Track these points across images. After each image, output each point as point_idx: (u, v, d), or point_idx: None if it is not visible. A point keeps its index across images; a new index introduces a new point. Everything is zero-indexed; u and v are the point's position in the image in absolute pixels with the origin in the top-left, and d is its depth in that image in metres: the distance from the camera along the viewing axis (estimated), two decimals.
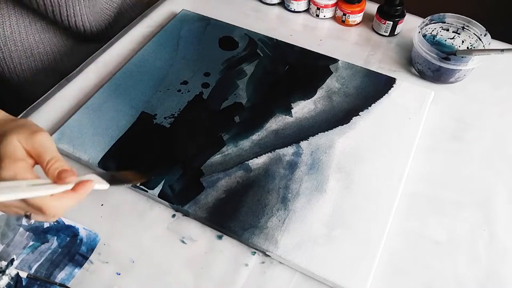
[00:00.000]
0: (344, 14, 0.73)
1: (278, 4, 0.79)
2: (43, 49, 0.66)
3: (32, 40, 0.63)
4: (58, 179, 0.37)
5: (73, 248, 0.47)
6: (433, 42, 0.68)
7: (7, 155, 0.36)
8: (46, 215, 0.37)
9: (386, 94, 0.61)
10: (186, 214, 0.50)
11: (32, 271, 0.46)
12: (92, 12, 0.67)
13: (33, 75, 0.67)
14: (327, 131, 0.57)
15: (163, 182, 0.51)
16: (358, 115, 0.59)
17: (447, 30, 0.67)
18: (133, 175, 0.47)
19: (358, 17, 0.73)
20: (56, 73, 0.68)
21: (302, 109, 0.59)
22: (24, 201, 0.36)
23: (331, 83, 0.62)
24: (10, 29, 0.60)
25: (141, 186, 0.51)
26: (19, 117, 0.60)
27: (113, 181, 0.42)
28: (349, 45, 0.72)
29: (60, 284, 0.45)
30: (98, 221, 0.50)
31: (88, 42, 0.72)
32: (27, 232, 0.48)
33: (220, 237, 0.49)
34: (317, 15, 0.76)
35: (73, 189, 0.38)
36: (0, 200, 0.33)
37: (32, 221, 0.44)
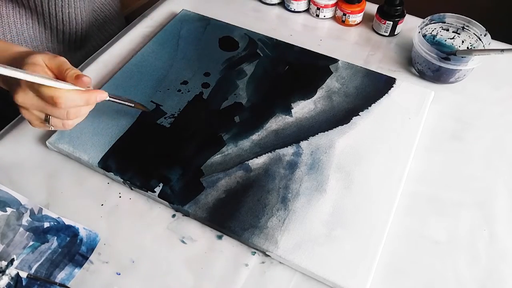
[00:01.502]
0: (344, 14, 0.73)
1: (278, 4, 0.79)
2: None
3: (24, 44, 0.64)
4: (76, 79, 0.44)
5: (73, 248, 0.47)
6: (433, 42, 0.68)
7: (30, 63, 0.43)
8: (58, 105, 0.42)
9: (386, 94, 0.61)
10: (186, 214, 0.50)
11: (32, 271, 0.46)
12: (86, 8, 0.68)
13: None
14: (327, 131, 0.57)
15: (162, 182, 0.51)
16: (358, 115, 0.59)
17: (447, 30, 0.67)
18: (139, 104, 0.57)
19: (358, 17, 0.73)
20: None
21: (302, 109, 0.59)
22: (40, 95, 0.42)
23: (331, 83, 0.63)
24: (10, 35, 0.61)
25: (141, 186, 0.51)
26: (18, 117, 0.60)
27: (121, 100, 0.53)
28: (349, 45, 0.72)
29: (60, 284, 0.45)
30: (98, 221, 0.50)
31: (75, 48, 0.72)
32: (27, 232, 0.48)
33: (220, 237, 0.49)
34: (317, 15, 0.76)
35: (78, 83, 0.44)
36: (25, 78, 0.40)
37: (51, 128, 0.46)
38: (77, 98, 0.44)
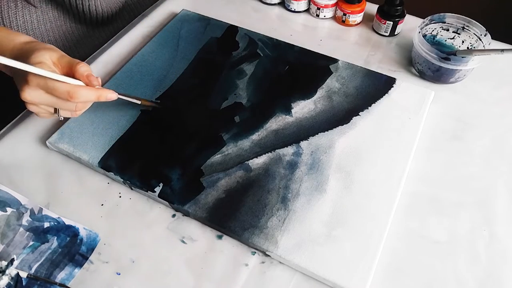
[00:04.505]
0: (344, 14, 0.73)
1: (278, 4, 0.79)
2: (53, 37, 0.67)
3: (43, 29, 0.65)
4: (87, 79, 0.46)
5: (73, 248, 0.47)
6: (433, 42, 0.68)
7: (36, 62, 0.45)
8: (73, 99, 0.45)
9: (386, 94, 0.61)
10: (186, 214, 0.50)
11: (32, 271, 0.46)
12: None
13: None
14: (327, 131, 0.57)
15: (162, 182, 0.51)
16: (358, 115, 0.59)
17: (447, 30, 0.67)
18: (146, 101, 0.58)
19: (358, 17, 0.73)
20: None
21: (302, 109, 0.59)
22: (54, 91, 0.44)
23: (331, 83, 0.63)
24: (22, 19, 0.61)
25: (141, 186, 0.51)
26: (18, 117, 0.60)
27: (129, 98, 0.55)
28: (349, 45, 0.72)
29: (60, 284, 0.45)
30: (98, 221, 0.50)
31: (98, 28, 0.73)
32: (27, 232, 0.48)
33: (220, 237, 0.49)
34: (317, 15, 0.76)
35: (89, 83, 0.47)
36: (39, 73, 0.42)
37: (61, 118, 0.49)
38: (90, 94, 0.47)
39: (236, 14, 0.76)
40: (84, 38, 0.72)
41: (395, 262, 0.47)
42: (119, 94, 0.52)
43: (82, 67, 0.47)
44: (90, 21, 0.71)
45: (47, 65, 0.45)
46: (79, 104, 0.47)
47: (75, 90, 0.45)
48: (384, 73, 0.64)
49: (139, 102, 0.56)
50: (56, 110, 0.48)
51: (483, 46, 0.63)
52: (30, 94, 0.45)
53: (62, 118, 0.50)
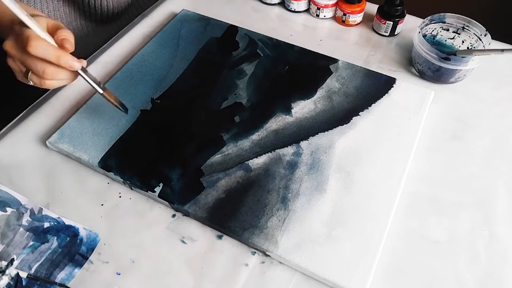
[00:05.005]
0: (344, 14, 0.73)
1: (278, 4, 0.79)
2: None
3: None
4: (60, 42, 0.45)
5: (73, 248, 0.47)
6: (433, 42, 0.68)
7: (35, 16, 0.45)
8: (28, 46, 0.43)
9: (386, 94, 0.61)
10: (186, 214, 0.50)
11: (32, 271, 0.46)
12: None
13: None
14: (327, 131, 0.57)
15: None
16: (358, 115, 0.59)
17: (447, 30, 0.67)
18: (114, 97, 0.53)
19: (358, 17, 0.73)
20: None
21: (302, 109, 0.59)
22: (20, 36, 0.44)
23: (331, 83, 0.63)
24: None
25: (141, 186, 0.51)
26: (18, 117, 0.60)
27: (91, 81, 0.50)
28: (349, 45, 0.72)
29: (60, 284, 0.45)
30: (98, 221, 0.50)
31: (106, 24, 0.75)
32: (27, 232, 0.48)
33: (220, 237, 0.49)
34: (317, 15, 0.76)
35: (61, 46, 0.46)
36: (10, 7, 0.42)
37: (31, 82, 0.48)
38: (48, 49, 0.44)
39: (236, 14, 0.76)
40: (92, 35, 0.72)
41: (395, 262, 0.47)
42: (83, 69, 0.48)
43: (63, 31, 0.45)
44: (100, 17, 0.71)
45: (39, 25, 0.45)
46: (46, 70, 0.45)
47: (33, 37, 0.43)
48: (384, 73, 0.64)
49: (101, 91, 0.51)
50: (27, 74, 0.47)
51: (483, 46, 0.63)
52: (9, 43, 0.45)
53: (32, 83, 0.47)
